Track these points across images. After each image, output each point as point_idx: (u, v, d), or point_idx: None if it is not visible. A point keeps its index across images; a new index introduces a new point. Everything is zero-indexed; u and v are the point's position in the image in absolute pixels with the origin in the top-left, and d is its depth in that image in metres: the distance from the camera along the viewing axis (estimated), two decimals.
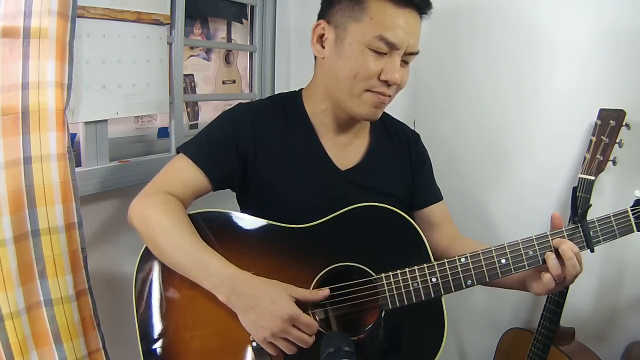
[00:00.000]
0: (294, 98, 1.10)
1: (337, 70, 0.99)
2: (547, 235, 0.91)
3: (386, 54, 0.96)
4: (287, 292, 0.88)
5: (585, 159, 1.27)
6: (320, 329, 0.89)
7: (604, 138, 1.23)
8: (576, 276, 0.89)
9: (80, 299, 1.02)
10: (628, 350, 1.34)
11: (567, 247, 0.87)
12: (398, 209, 0.97)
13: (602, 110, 1.26)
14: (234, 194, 1.11)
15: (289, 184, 1.03)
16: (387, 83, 0.97)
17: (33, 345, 0.95)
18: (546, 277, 0.88)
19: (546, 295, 1.29)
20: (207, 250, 0.92)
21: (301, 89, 1.12)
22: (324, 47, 1.01)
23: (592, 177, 1.23)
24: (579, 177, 1.25)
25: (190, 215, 0.97)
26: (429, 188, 1.17)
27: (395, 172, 1.12)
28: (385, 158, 1.11)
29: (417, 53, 1.00)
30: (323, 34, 1.01)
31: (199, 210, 0.99)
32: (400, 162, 1.13)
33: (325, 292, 0.91)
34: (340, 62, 0.98)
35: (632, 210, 0.91)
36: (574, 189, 1.02)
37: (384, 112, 1.15)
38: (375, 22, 0.94)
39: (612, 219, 0.91)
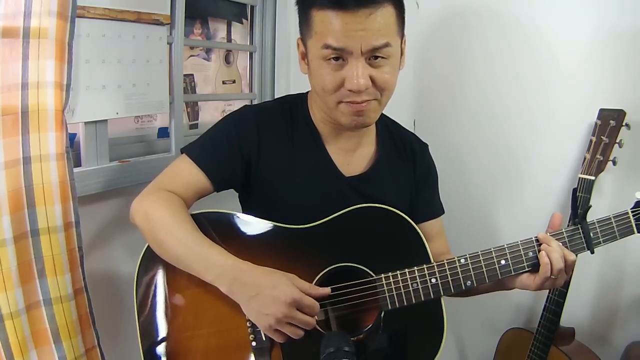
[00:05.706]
0: (300, 101, 1.09)
1: (313, 87, 1.00)
2: None
3: (345, 61, 0.90)
4: (289, 278, 0.89)
5: (585, 159, 1.27)
6: (320, 329, 0.89)
7: (604, 138, 1.23)
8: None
9: (77, 297, 1.02)
10: (628, 350, 1.34)
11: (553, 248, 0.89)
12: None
13: (602, 110, 1.26)
14: (236, 194, 1.11)
15: (292, 188, 1.02)
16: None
17: (32, 345, 0.96)
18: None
19: (546, 295, 1.29)
20: (208, 243, 0.92)
21: (307, 92, 1.10)
22: (307, 64, 0.99)
23: (592, 177, 1.23)
24: (579, 177, 1.25)
25: (192, 216, 0.97)
26: (429, 203, 1.15)
27: (400, 184, 1.10)
28: (390, 169, 1.10)
29: (385, 46, 0.89)
30: (304, 51, 0.99)
31: (201, 211, 0.99)
32: (405, 174, 1.12)
33: (326, 290, 0.92)
34: (312, 78, 0.98)
35: (632, 212, 0.91)
36: (574, 190, 1.02)
37: (391, 120, 1.15)
38: (319, 34, 0.90)
39: (613, 220, 0.91)
